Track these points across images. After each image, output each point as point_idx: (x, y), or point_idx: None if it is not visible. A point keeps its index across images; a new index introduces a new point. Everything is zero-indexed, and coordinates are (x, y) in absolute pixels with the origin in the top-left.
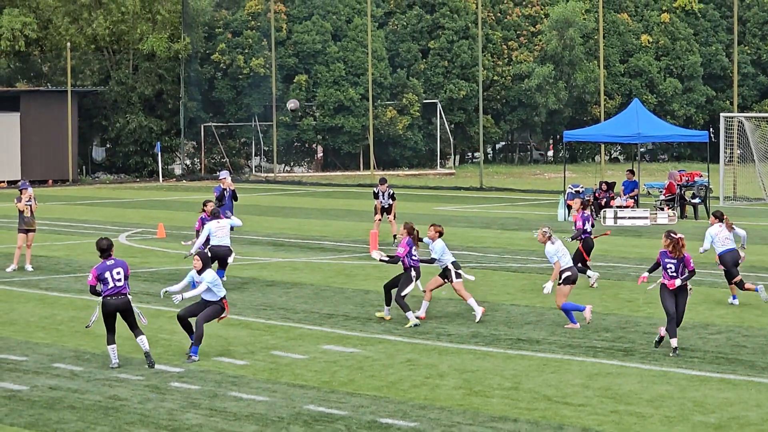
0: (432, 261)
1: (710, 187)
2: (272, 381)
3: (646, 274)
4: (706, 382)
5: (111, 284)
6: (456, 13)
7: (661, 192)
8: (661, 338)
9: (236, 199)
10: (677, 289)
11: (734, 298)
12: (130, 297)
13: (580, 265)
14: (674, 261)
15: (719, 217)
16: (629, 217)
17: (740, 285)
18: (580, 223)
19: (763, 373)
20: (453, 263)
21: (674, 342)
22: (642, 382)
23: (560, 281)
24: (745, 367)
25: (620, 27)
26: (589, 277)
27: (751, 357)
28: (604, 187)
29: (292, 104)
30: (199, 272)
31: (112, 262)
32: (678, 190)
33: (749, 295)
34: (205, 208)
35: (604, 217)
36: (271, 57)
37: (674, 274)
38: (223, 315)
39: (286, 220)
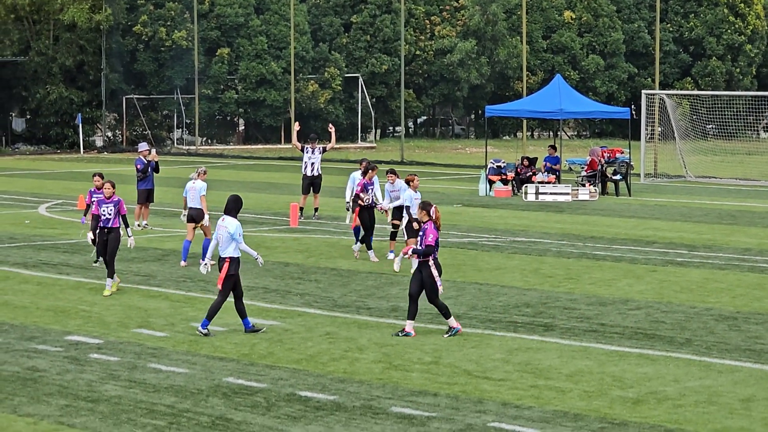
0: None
1: (631, 164)
2: (192, 353)
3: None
4: (625, 358)
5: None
6: None
7: (582, 168)
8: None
9: (158, 172)
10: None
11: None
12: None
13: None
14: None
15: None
16: (551, 193)
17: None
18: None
19: (680, 349)
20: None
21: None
22: (561, 357)
23: None
24: (664, 342)
25: (543, 3)
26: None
27: (669, 333)
28: (526, 162)
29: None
30: None
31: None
32: (600, 167)
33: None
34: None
35: (526, 193)
36: (194, 29)
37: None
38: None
39: (207, 193)
